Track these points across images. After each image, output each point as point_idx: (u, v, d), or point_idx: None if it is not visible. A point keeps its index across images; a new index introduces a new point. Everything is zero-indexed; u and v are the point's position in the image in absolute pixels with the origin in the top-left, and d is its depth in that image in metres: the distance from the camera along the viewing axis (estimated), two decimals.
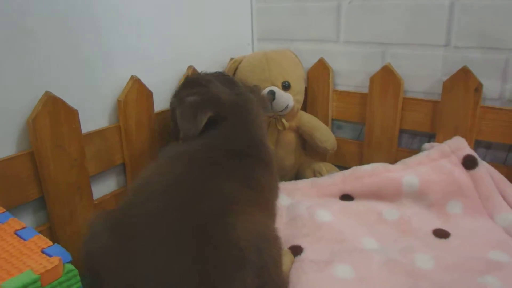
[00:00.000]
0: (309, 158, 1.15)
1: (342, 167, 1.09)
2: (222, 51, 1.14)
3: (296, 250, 0.79)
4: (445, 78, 0.99)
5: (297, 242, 0.81)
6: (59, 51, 0.74)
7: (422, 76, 1.04)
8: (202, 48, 1.07)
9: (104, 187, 0.88)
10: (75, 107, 0.76)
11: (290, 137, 1.09)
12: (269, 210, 0.72)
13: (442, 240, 0.83)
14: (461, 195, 0.91)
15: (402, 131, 1.10)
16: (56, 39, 0.73)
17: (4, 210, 0.59)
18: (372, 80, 1.06)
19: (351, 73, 1.11)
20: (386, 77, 1.04)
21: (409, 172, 0.94)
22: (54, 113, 0.72)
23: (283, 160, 1.09)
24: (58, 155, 0.73)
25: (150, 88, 0.90)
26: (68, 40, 0.75)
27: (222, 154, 0.69)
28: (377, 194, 0.94)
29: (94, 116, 0.83)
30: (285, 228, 0.86)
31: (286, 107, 1.00)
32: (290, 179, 1.07)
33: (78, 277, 0.50)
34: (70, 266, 0.49)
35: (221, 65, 1.13)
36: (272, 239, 0.62)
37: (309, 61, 1.14)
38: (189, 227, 0.56)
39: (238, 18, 1.20)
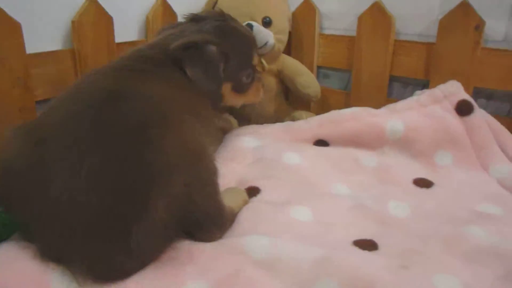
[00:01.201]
0: (291, 107, 1.05)
1: None
2: None
3: (253, 191, 0.70)
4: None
5: (256, 183, 0.72)
6: None
7: (417, 16, 0.92)
8: None
9: None
10: (19, 20, 0.68)
11: (270, 82, 0.99)
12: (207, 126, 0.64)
13: (423, 190, 0.73)
14: (452, 144, 0.80)
15: (393, 79, 0.99)
16: None
17: None
18: (361, 19, 0.95)
19: (340, 15, 1.01)
20: (376, 16, 0.93)
21: (394, 117, 0.83)
22: None
23: (261, 106, 0.99)
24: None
25: (112, 14, 0.82)
26: None
27: (156, 64, 0.61)
28: (356, 141, 0.84)
29: (45, 36, 0.75)
30: (247, 169, 0.77)
31: (265, 44, 0.90)
32: None
33: None
34: None
35: None
36: (203, 157, 0.55)
37: (297, 2, 1.04)
38: (104, 126, 0.49)
39: None
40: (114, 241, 0.48)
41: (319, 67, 1.08)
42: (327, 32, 1.04)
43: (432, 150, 0.81)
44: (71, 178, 0.47)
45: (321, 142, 0.85)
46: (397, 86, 1.00)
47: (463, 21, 0.85)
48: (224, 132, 0.90)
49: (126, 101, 0.53)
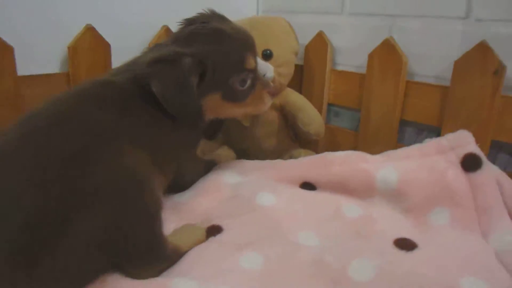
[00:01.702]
0: (297, 144, 1.00)
1: None
2: None
3: (214, 230, 0.66)
4: None
5: (219, 222, 0.68)
6: None
7: (433, 57, 0.84)
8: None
9: None
10: (12, 44, 0.73)
11: (271, 116, 0.95)
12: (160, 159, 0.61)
13: (402, 252, 0.63)
14: (451, 202, 0.70)
15: (406, 124, 0.90)
16: None
17: None
18: (371, 56, 0.89)
19: (353, 50, 0.95)
20: (387, 54, 0.86)
21: (387, 165, 0.75)
22: None
23: (261, 141, 0.96)
24: None
25: (111, 41, 0.85)
26: None
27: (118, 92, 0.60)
28: (345, 187, 0.76)
29: (40, 60, 0.79)
30: (216, 206, 0.73)
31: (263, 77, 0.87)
32: None
33: None
34: None
35: None
36: (139, 188, 0.53)
37: (310, 37, 1.00)
38: (42, 149, 0.50)
39: None
40: (20, 264, 0.47)
41: (330, 105, 1.02)
42: (340, 68, 0.98)
43: (427, 207, 0.71)
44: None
45: (307, 185, 0.79)
46: (409, 131, 0.91)
47: (480, 64, 0.75)
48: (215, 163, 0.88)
49: (68, 125, 0.53)
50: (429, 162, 0.74)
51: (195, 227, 0.66)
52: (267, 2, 1.13)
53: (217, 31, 0.66)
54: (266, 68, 0.87)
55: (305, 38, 1.00)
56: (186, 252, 0.61)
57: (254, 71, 0.70)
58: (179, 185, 0.76)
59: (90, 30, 0.81)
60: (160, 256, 0.57)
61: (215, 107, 0.68)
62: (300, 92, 1.04)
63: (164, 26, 0.94)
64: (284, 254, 0.62)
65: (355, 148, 0.97)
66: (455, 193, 0.70)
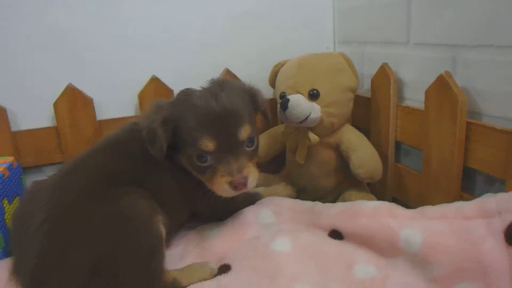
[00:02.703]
0: (360, 183, 0.94)
1: (403, 204, 0.84)
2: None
3: (223, 269, 0.71)
4: None
5: (230, 262, 0.72)
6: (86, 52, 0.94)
7: (503, 94, 0.69)
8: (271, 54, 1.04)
9: None
10: (92, 96, 0.94)
11: (326, 155, 0.92)
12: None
13: None
14: (483, 278, 0.58)
15: (476, 172, 0.75)
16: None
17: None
18: (427, 93, 0.78)
19: (420, 84, 0.84)
20: (442, 91, 0.74)
21: (414, 224, 0.66)
22: (72, 100, 0.92)
23: (318, 180, 0.94)
24: (75, 133, 0.94)
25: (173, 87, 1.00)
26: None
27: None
28: (369, 242, 0.70)
29: (115, 107, 0.99)
30: (236, 246, 0.77)
31: (306, 118, 0.86)
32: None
33: None
34: None
35: None
36: (137, 226, 0.63)
37: (376, 66, 0.93)
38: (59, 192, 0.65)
39: (320, 19, 1.09)
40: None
41: (399, 143, 0.92)
42: (407, 102, 0.89)
43: (452, 280, 0.60)
44: (33, 227, 0.64)
45: (336, 234, 0.76)
46: (480, 180, 0.76)
47: None
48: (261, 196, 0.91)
49: (87, 171, 0.68)
50: (463, 226, 0.62)
51: (204, 266, 0.72)
52: (343, 32, 1.09)
53: (187, 102, 0.69)
54: (310, 109, 0.86)
55: (374, 69, 0.94)
56: (186, 286, 0.67)
57: (212, 153, 0.68)
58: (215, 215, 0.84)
59: (154, 81, 0.97)
60: (154, 287, 0.65)
61: (187, 165, 0.72)
62: (368, 128, 0.98)
63: (226, 68, 1.04)
64: None
65: (419, 192, 0.86)
66: (490, 269, 0.57)
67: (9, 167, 0.84)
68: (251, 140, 0.71)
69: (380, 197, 0.91)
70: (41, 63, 0.91)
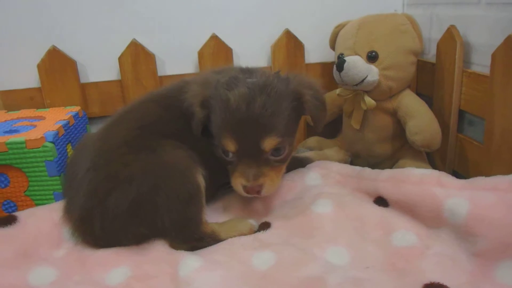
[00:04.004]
0: (415, 153, 0.89)
1: (463, 177, 0.79)
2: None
3: (263, 226, 0.73)
4: None
5: (271, 220, 0.74)
6: (149, 9, 0.99)
7: None
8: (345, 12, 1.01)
9: None
10: (154, 52, 1.00)
11: (384, 121, 0.89)
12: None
13: None
14: None
15: None
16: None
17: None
18: (494, 57, 0.71)
19: (489, 48, 0.76)
20: (509, 54, 0.67)
21: (462, 194, 0.62)
22: (135, 55, 0.98)
23: (373, 146, 0.92)
24: (137, 87, 1.00)
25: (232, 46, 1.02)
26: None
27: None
28: (412, 210, 0.68)
29: (175, 64, 1.03)
30: (279, 204, 0.78)
31: (362, 81, 0.83)
32: None
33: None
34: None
35: None
36: (176, 173, 0.66)
37: (443, 29, 0.86)
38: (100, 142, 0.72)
39: None
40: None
41: (463, 112, 0.86)
42: (475, 68, 0.81)
43: (495, 255, 0.56)
44: (80, 174, 0.70)
45: (381, 201, 0.74)
46: None
47: None
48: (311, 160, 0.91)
49: (124, 125, 0.73)
50: None
51: (244, 221, 0.74)
52: None
53: (225, 95, 0.68)
54: (367, 71, 0.83)
55: (442, 33, 0.87)
56: (224, 239, 0.70)
57: (234, 153, 0.69)
58: None
59: (214, 38, 0.99)
60: (192, 235, 0.68)
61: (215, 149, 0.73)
62: (431, 95, 0.92)
63: (286, 29, 1.03)
64: (300, 264, 0.63)
65: (480, 165, 0.80)
66: None
67: (75, 116, 0.93)
68: (277, 150, 0.70)
69: (438, 169, 0.86)
70: (107, 20, 0.99)
